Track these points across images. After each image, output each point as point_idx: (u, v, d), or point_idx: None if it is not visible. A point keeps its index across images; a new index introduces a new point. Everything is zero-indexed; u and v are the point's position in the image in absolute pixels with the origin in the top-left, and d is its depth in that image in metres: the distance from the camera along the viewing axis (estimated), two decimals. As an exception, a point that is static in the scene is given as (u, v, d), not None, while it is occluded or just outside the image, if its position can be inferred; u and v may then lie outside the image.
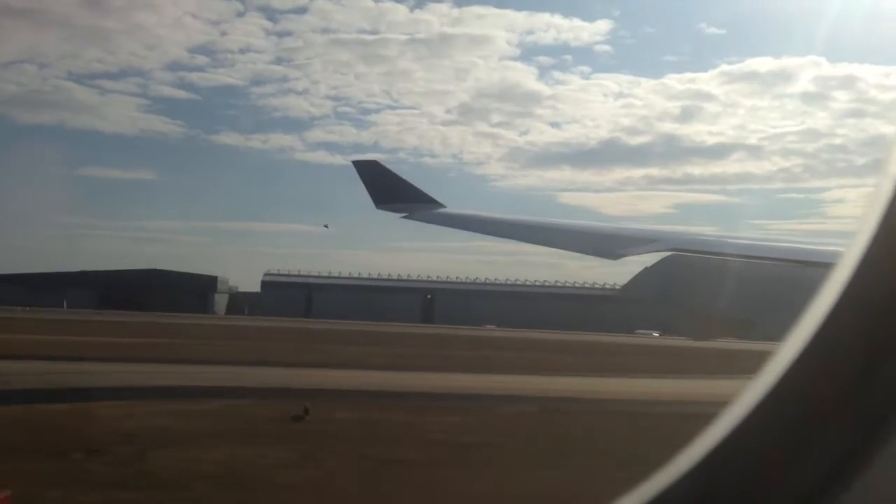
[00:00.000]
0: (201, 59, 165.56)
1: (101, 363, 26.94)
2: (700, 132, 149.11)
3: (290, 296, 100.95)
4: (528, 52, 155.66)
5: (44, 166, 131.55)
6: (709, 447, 1.65)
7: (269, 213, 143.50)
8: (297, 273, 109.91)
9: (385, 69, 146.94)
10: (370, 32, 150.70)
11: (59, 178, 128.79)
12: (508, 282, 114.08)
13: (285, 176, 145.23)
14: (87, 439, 14.58)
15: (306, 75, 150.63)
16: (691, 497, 1.69)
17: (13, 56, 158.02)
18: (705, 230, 9.68)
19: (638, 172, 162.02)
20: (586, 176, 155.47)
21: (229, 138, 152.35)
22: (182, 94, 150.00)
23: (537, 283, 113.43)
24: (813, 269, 6.89)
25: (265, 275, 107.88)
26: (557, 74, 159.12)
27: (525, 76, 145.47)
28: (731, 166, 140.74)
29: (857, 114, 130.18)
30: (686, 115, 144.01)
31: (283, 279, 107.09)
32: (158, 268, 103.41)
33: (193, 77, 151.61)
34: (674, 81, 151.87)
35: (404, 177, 14.91)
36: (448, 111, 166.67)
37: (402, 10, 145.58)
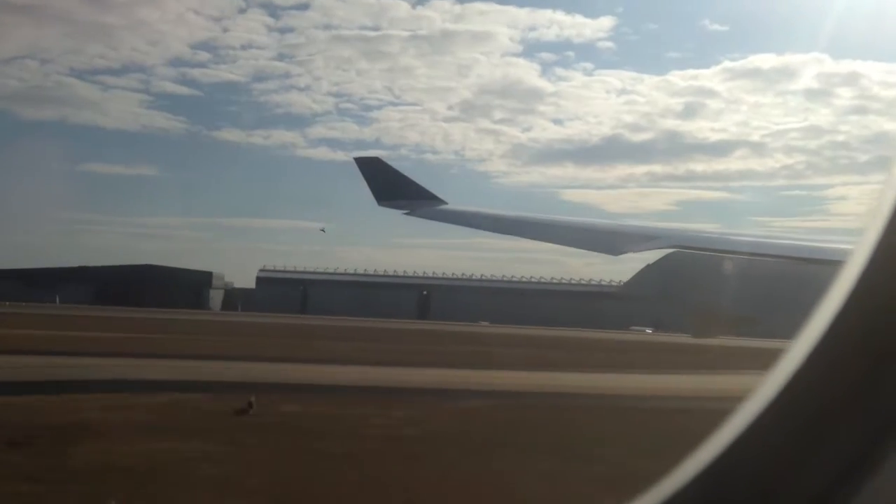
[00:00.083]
0: (203, 56, 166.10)
1: (67, 357, 26.76)
2: (703, 129, 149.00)
3: (284, 292, 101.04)
4: (531, 49, 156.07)
5: (46, 162, 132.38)
6: (718, 450, 1.64)
7: (271, 209, 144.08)
8: (292, 269, 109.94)
9: (387, 65, 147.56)
10: (372, 29, 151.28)
11: (61, 174, 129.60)
12: (507, 278, 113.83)
13: (287, 172, 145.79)
14: (15, 432, 14.33)
15: (308, 71, 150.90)
16: (700, 501, 1.68)
17: (15, 52, 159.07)
18: (708, 227, 9.59)
19: (640, 169, 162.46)
20: (589, 173, 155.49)
21: (231, 134, 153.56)
22: (184, 90, 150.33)
23: (537, 280, 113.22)
24: (816, 266, 6.81)
25: (260, 271, 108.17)
26: (560, 71, 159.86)
27: (527, 73, 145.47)
28: (733, 163, 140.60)
29: (861, 111, 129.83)
30: (689, 112, 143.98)
31: (278, 275, 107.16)
32: (154, 263, 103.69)
33: (195, 73, 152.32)
34: (676, 78, 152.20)
35: (406, 173, 14.82)
36: (450, 108, 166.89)
37: (403, 6, 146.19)
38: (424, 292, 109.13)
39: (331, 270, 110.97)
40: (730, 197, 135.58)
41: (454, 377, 26.12)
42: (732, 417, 1.66)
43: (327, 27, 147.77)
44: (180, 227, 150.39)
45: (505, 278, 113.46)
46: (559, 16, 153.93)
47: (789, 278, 7.34)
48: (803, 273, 7.01)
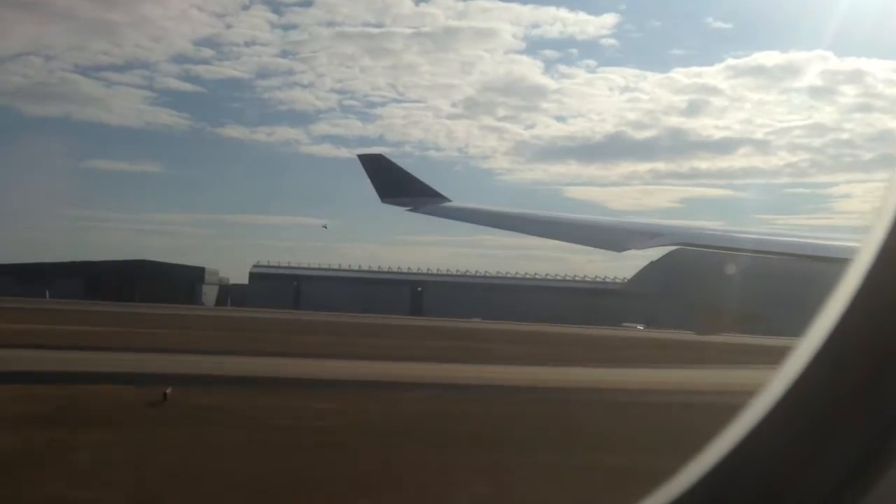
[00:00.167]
0: (207, 52, 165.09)
1: (14, 350, 26.53)
2: (706, 126, 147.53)
3: (277, 287, 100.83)
4: (534, 46, 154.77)
5: (50, 159, 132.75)
6: (725, 450, 1.63)
7: (275, 206, 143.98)
8: (286, 265, 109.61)
9: (390, 62, 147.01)
10: (375, 26, 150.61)
11: (65, 171, 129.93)
12: (508, 275, 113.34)
13: (290, 169, 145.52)
14: None
15: (312, 68, 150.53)
16: (707, 501, 1.67)
17: (19, 48, 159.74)
18: (711, 225, 9.69)
19: (644, 167, 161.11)
20: (592, 170, 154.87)
21: (235, 131, 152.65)
22: (188, 86, 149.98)
23: (538, 277, 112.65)
24: (820, 264, 6.73)
25: (253, 266, 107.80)
26: (563, 68, 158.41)
27: (531, 70, 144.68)
28: (737, 161, 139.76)
29: (865, 108, 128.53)
30: (692, 110, 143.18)
31: (271, 271, 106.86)
32: (147, 258, 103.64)
33: (199, 70, 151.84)
34: (680, 75, 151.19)
35: (410, 171, 14.72)
36: (453, 105, 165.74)
37: (407, 3, 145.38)
38: (419, 288, 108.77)
39: (325, 266, 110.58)
40: (733, 194, 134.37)
41: (404, 370, 25.77)
42: (739, 417, 1.65)
43: (330, 24, 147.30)
44: (184, 223, 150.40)
45: (506, 275, 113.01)
46: (562, 13, 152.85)
47: (793, 276, 7.31)
48: (808, 271, 6.95)
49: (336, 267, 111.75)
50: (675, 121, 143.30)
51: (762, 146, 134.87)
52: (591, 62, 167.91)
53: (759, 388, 1.73)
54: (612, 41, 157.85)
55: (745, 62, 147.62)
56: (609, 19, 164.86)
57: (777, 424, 1.61)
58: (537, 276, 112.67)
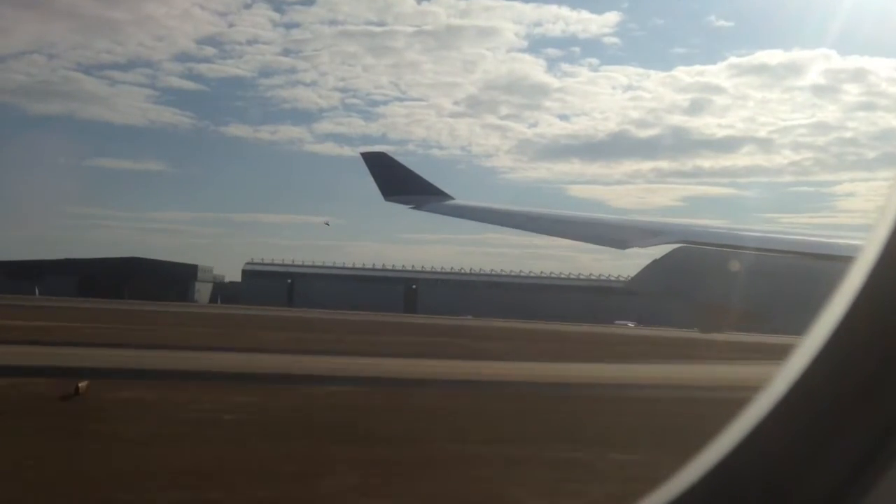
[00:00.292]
0: (209, 51, 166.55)
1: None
2: (709, 125, 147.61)
3: (271, 285, 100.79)
4: (536, 44, 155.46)
5: (53, 157, 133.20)
6: (726, 449, 1.62)
7: (278, 204, 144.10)
8: (280, 262, 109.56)
9: (393, 61, 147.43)
10: (377, 24, 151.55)
11: (69, 169, 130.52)
12: (510, 273, 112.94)
13: (294, 168, 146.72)
14: None
15: (314, 67, 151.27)
16: (708, 500, 1.66)
17: (22, 47, 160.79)
18: (715, 223, 9.60)
19: (647, 165, 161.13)
20: (595, 169, 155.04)
21: (238, 130, 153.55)
22: (191, 85, 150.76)
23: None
24: (824, 262, 6.67)
25: (246, 264, 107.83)
26: (566, 67, 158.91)
27: (533, 68, 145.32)
28: (740, 159, 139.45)
29: (868, 107, 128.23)
30: (695, 108, 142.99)
31: (265, 268, 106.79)
32: (142, 256, 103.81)
33: (202, 68, 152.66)
34: (683, 74, 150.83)
35: (413, 169, 14.61)
36: (456, 103, 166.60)
37: (409, 1, 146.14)
38: (413, 286, 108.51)
39: (319, 264, 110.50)
40: (737, 193, 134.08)
41: (350, 365, 25.38)
42: (741, 416, 1.64)
43: (333, 22, 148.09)
44: (187, 222, 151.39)
45: (507, 273, 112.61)
46: (565, 11, 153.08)
47: (797, 274, 7.25)
48: (811, 269, 6.87)
49: (331, 264, 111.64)
50: (678, 119, 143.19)
51: (765, 145, 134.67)
52: (594, 60, 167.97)
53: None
54: (614, 39, 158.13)
55: (747, 61, 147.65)
56: (611, 18, 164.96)
57: (779, 423, 1.61)
58: (540, 275, 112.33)
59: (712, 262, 8.13)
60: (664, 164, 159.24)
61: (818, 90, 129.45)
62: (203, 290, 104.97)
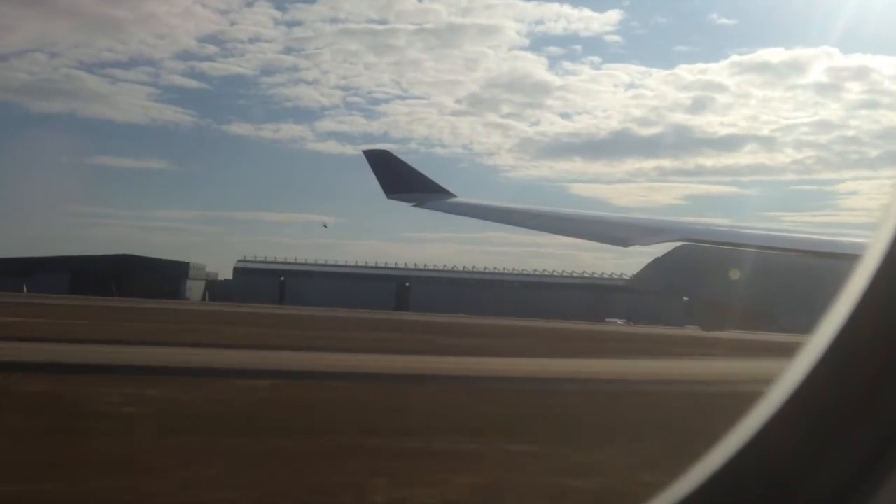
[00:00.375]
0: (211, 49, 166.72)
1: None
2: (712, 123, 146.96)
3: (263, 282, 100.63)
4: (538, 43, 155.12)
5: (55, 155, 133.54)
6: (732, 451, 1.62)
7: (280, 202, 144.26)
8: (272, 260, 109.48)
9: (394, 59, 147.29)
10: (379, 22, 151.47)
11: (71, 167, 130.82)
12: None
13: (296, 166, 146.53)
14: None
15: (316, 65, 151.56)
16: (714, 502, 1.66)
17: (24, 45, 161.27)
18: (717, 221, 9.59)
19: (649, 164, 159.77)
20: (597, 167, 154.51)
21: (240, 128, 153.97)
22: (192, 83, 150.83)
23: (542, 273, 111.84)
24: (827, 260, 6.57)
25: (238, 261, 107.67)
26: (567, 65, 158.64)
27: (535, 66, 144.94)
28: (743, 158, 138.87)
29: (871, 105, 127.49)
30: (698, 106, 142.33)
31: (257, 266, 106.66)
32: (134, 254, 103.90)
33: (204, 66, 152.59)
34: (685, 72, 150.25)
35: (415, 167, 14.42)
36: (458, 101, 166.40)
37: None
38: (406, 284, 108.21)
39: (311, 262, 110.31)
40: (739, 191, 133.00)
41: (294, 359, 25.13)
42: (746, 417, 1.63)
43: (334, 21, 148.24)
44: (189, 220, 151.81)
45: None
46: (566, 9, 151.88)
47: (800, 272, 7.16)
48: (814, 267, 6.82)
49: (325, 262, 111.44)
50: (680, 117, 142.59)
51: (768, 143, 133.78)
52: (596, 59, 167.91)
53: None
54: (616, 38, 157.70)
55: (750, 59, 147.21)
56: (613, 16, 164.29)
57: (784, 423, 1.60)
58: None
59: (714, 261, 8.03)
60: (666, 163, 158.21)
61: (821, 88, 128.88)
62: (195, 288, 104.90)
